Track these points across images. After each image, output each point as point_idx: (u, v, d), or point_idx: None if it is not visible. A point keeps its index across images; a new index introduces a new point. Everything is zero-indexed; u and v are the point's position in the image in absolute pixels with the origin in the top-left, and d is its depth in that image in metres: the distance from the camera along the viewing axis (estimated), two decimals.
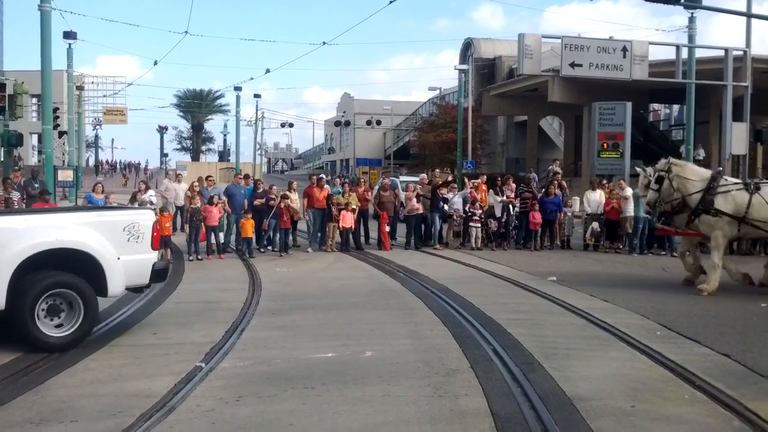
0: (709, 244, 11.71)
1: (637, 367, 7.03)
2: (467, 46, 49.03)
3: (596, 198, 17.84)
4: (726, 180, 11.99)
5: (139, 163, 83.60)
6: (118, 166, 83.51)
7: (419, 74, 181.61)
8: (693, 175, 11.76)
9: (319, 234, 17.58)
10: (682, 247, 12.60)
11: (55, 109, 30.90)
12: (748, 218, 11.27)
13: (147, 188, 17.38)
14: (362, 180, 22.31)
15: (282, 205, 16.62)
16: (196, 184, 17.02)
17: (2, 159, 24.47)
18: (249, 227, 16.20)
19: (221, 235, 16.67)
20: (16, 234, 7.48)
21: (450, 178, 24.58)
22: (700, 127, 30.18)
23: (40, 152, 42.13)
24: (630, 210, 17.12)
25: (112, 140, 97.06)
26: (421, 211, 17.85)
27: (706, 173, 12.04)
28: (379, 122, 58.80)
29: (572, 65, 22.00)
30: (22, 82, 24.32)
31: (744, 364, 7.06)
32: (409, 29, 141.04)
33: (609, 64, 22.08)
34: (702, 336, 8.18)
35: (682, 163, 12.57)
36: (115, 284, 7.95)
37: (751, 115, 24.54)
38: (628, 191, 17.28)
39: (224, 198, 16.67)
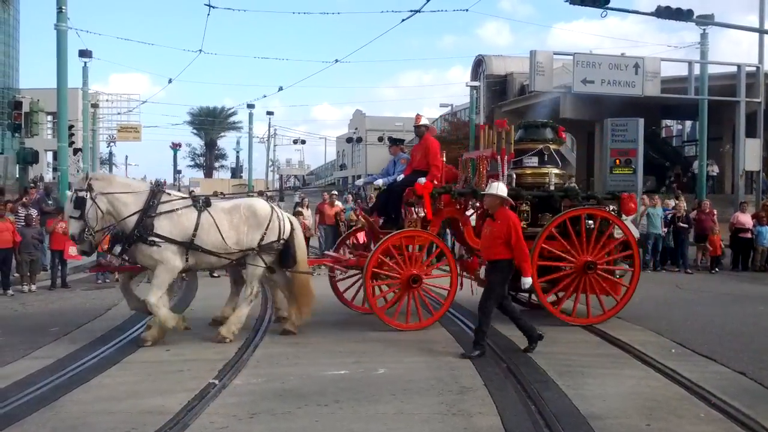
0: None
1: (651, 385, 6.98)
2: (479, 63, 49.18)
3: None
4: (170, 195, 9.30)
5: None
6: None
7: (429, 91, 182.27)
8: (125, 191, 8.92)
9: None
10: (123, 278, 9.58)
11: (71, 127, 31.13)
12: (197, 243, 8.83)
13: None
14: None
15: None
16: None
17: (18, 175, 24.70)
18: None
19: None
20: None
21: None
22: (713, 143, 30.04)
23: (54, 169, 42.49)
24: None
25: (126, 157, 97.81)
26: None
27: (142, 187, 9.34)
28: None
29: (584, 82, 21.99)
30: (38, 100, 24.56)
31: (760, 382, 7.00)
32: (415, 46, 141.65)
33: (621, 81, 22.06)
34: (717, 354, 8.12)
35: (107, 177, 10.20)
36: None
37: (765, 131, 24.40)
38: (641, 208, 17.23)
39: None
